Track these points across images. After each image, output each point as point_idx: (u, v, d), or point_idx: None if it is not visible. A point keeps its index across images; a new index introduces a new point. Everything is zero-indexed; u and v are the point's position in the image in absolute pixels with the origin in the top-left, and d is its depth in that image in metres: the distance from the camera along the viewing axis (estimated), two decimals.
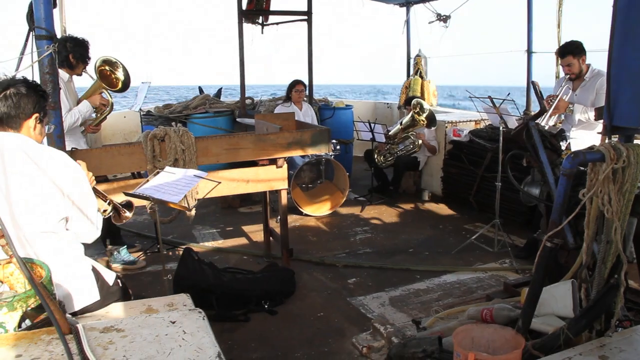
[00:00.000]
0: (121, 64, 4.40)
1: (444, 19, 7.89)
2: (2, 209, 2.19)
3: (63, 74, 4.25)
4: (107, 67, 4.38)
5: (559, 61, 4.92)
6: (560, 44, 5.54)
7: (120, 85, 4.43)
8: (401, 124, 6.63)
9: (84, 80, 4.57)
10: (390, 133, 6.60)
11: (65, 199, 2.35)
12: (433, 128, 6.34)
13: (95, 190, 2.76)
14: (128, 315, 2.51)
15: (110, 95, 4.50)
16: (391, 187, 6.73)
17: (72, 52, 4.29)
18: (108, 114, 4.59)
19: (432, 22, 7.98)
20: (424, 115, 6.25)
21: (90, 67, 4.42)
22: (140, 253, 4.84)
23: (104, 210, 2.81)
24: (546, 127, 4.76)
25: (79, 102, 4.41)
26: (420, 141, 6.50)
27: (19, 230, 2.24)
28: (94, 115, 4.56)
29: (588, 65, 4.71)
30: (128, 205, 2.92)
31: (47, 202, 2.29)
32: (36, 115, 2.37)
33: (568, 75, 4.74)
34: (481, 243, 4.98)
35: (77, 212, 2.42)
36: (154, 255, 4.83)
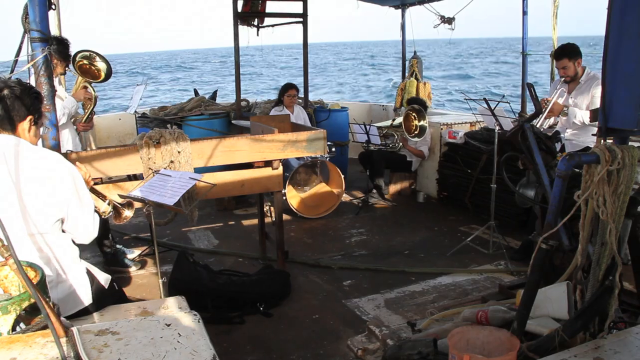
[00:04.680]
0: (96, 54, 4.45)
1: (448, 20, 7.80)
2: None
3: None
4: (85, 62, 4.44)
5: (555, 63, 4.93)
6: (557, 45, 5.56)
7: (102, 75, 4.50)
8: (393, 120, 6.68)
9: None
10: (379, 124, 6.68)
11: (61, 199, 2.34)
12: (417, 139, 6.34)
13: (94, 191, 2.75)
14: (123, 318, 2.50)
15: (93, 89, 4.52)
16: (376, 187, 6.75)
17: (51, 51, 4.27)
18: (93, 107, 4.61)
19: (437, 25, 7.90)
20: (418, 123, 6.28)
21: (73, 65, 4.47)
22: (136, 255, 4.83)
23: (104, 211, 2.80)
24: (542, 130, 4.77)
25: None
26: (400, 145, 6.55)
27: (13, 232, 2.23)
28: (81, 111, 4.60)
29: (584, 68, 4.71)
30: (128, 205, 2.91)
31: (42, 204, 2.29)
32: (30, 117, 2.36)
33: (563, 78, 4.75)
34: (476, 245, 4.99)
35: (73, 213, 2.42)
36: (149, 257, 4.81)
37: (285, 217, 5.15)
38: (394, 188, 6.97)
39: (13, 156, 2.24)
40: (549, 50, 6.32)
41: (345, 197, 6.57)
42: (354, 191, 7.05)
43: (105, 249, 4.52)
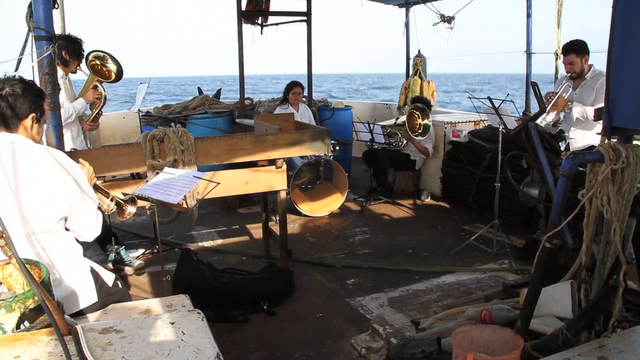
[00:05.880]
0: (109, 55, 4.48)
1: (448, 20, 7.81)
2: (1, 210, 2.18)
3: (58, 71, 4.28)
4: (97, 62, 4.48)
5: (562, 59, 4.92)
6: (561, 44, 5.57)
7: (113, 76, 4.53)
8: (397, 119, 6.69)
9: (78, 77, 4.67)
10: (383, 123, 6.68)
11: (63, 198, 2.34)
12: (420, 138, 6.35)
13: (97, 187, 2.75)
14: (127, 316, 2.51)
15: (104, 89, 4.55)
16: (381, 186, 6.75)
17: (65, 49, 4.30)
18: (102, 107, 4.64)
19: (437, 23, 7.92)
20: (422, 121, 6.28)
21: (84, 64, 4.49)
22: (139, 254, 4.84)
23: (106, 208, 2.80)
24: (544, 124, 4.76)
25: (76, 99, 4.47)
26: (405, 141, 6.54)
27: (17, 231, 2.24)
28: (88, 112, 4.61)
29: (590, 66, 4.70)
30: (131, 201, 2.91)
31: (45, 202, 2.29)
32: (33, 115, 2.35)
33: (569, 74, 4.74)
34: (480, 244, 4.98)
35: (76, 211, 2.41)
36: (153, 256, 4.82)
37: (289, 215, 5.15)
38: (397, 187, 6.97)
39: (10, 154, 2.23)
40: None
41: (349, 196, 6.57)
42: (357, 190, 7.05)
43: (110, 250, 4.53)
